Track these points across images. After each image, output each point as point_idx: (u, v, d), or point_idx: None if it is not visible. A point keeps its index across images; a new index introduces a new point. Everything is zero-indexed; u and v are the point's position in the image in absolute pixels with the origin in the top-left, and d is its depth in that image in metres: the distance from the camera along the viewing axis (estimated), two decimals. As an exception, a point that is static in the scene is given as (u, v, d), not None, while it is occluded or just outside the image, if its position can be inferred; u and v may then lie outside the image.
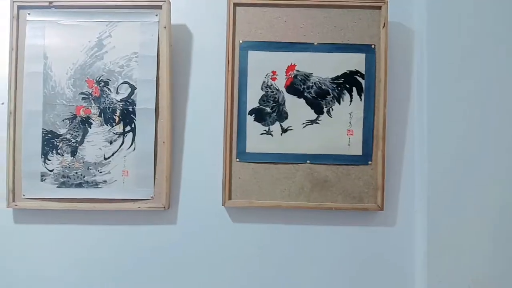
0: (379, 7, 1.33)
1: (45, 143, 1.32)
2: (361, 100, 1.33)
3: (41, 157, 1.32)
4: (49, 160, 1.32)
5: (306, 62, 1.33)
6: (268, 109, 1.33)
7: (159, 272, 1.34)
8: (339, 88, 1.33)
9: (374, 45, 1.33)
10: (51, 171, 1.32)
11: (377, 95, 1.32)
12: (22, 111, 1.32)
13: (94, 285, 1.34)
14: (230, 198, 1.32)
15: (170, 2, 1.32)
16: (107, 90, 1.32)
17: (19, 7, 1.32)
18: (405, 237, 1.34)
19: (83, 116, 1.32)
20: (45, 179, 1.32)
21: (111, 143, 1.32)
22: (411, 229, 1.33)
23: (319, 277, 1.33)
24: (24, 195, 1.32)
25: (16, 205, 1.31)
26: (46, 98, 1.32)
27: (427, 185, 1.29)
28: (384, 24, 1.32)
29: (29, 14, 1.33)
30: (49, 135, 1.32)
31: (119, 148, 1.32)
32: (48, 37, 1.32)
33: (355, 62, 1.33)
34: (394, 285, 1.33)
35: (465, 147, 1.27)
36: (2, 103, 1.37)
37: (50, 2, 1.32)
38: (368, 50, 1.33)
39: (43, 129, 1.32)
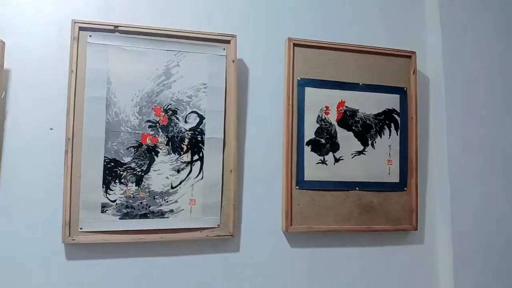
0: (410, 56, 1.60)
1: (107, 172, 1.27)
2: (397, 134, 1.56)
3: (103, 187, 1.27)
4: (111, 190, 1.28)
5: (353, 100, 1.52)
6: (323, 141, 1.48)
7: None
8: (380, 124, 1.55)
9: (406, 87, 1.59)
10: (114, 201, 1.28)
11: (410, 130, 1.57)
12: (81, 137, 1.26)
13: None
14: (291, 224, 1.42)
15: (236, 37, 1.41)
16: (175, 119, 1.34)
17: (81, 28, 1.28)
18: (435, 253, 1.58)
19: (150, 145, 1.32)
20: (106, 210, 1.27)
21: (178, 172, 1.33)
22: (440, 246, 1.58)
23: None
24: (81, 228, 1.25)
25: (73, 239, 1.23)
26: (109, 125, 1.29)
27: (450, 208, 1.55)
28: (414, 70, 1.59)
29: (90, 36, 1.29)
30: (112, 164, 1.28)
31: (186, 177, 1.34)
32: (112, 62, 1.30)
33: (392, 101, 1.57)
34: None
35: (483, 177, 1.57)
36: (51, 129, 1.28)
37: (116, 26, 1.31)
38: (401, 91, 1.58)
39: (105, 157, 1.28)
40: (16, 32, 1.27)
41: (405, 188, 1.56)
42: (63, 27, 1.30)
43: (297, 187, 1.44)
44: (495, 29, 1.69)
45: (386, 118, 1.56)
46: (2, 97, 1.23)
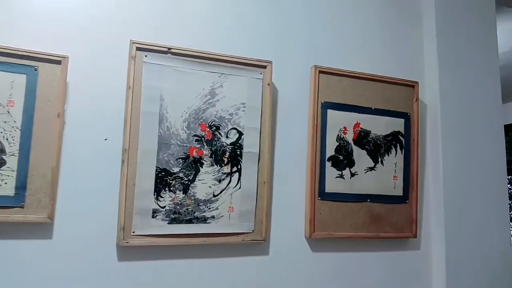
0: (413, 86, 1.85)
1: (158, 180, 1.41)
2: (402, 154, 1.80)
3: (154, 194, 1.40)
4: (162, 197, 1.41)
5: (366, 122, 1.75)
6: (341, 157, 1.69)
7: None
8: (388, 144, 1.78)
9: (410, 113, 1.83)
10: (163, 207, 1.41)
11: (412, 150, 1.82)
12: (137, 148, 1.39)
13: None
14: (314, 231, 1.61)
15: (272, 63, 1.59)
16: (218, 134, 1.50)
17: (138, 48, 1.42)
18: (430, 258, 1.82)
19: (196, 157, 1.47)
20: (157, 215, 1.40)
21: (219, 181, 1.49)
22: (434, 252, 1.82)
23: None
24: (133, 232, 1.37)
25: (127, 242, 1.36)
26: (161, 138, 1.43)
27: (443, 218, 1.81)
28: (416, 98, 1.84)
29: (145, 56, 1.43)
30: (163, 173, 1.42)
31: (226, 187, 1.50)
32: (165, 80, 1.45)
33: (398, 124, 1.81)
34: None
35: (474, 191, 1.84)
36: (105, 139, 1.40)
37: (169, 49, 1.46)
38: (405, 116, 1.82)
39: (157, 167, 1.41)
40: (79, 47, 1.39)
41: (407, 201, 1.80)
42: (122, 46, 1.43)
43: (319, 198, 1.64)
44: (486, 61, 1.99)
45: (393, 139, 1.79)
46: (64, 109, 1.34)
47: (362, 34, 1.85)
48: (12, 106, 1.26)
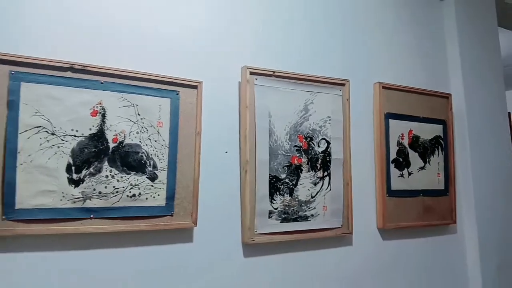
0: (447, 97, 2.23)
1: (271, 186, 1.66)
2: (442, 154, 2.18)
3: (269, 197, 1.65)
4: (274, 200, 1.67)
5: (417, 128, 2.10)
6: (401, 159, 2.03)
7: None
8: (433, 146, 2.15)
9: (446, 120, 2.21)
10: (276, 209, 1.67)
11: (449, 151, 2.20)
12: (255, 159, 1.63)
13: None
14: (384, 223, 1.94)
15: (349, 81, 1.89)
16: (312, 144, 1.78)
17: (250, 73, 1.65)
18: (464, 239, 2.22)
19: (297, 164, 1.73)
20: (272, 216, 1.66)
21: (315, 185, 1.77)
22: (470, 234, 2.22)
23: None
24: (256, 231, 1.62)
25: (252, 240, 1.60)
26: (271, 149, 1.68)
27: (474, 207, 2.21)
28: (450, 107, 2.22)
29: (256, 79, 1.67)
30: (274, 179, 1.67)
31: (320, 189, 1.78)
32: (271, 100, 1.70)
33: (439, 130, 2.18)
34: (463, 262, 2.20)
35: (499, 182, 2.26)
36: (226, 152, 1.63)
37: (274, 72, 1.70)
38: (443, 123, 2.20)
39: (269, 174, 1.66)
40: (204, 73, 1.59)
41: (448, 193, 2.18)
42: (234, 70, 1.66)
43: (387, 195, 1.97)
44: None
45: (436, 142, 2.16)
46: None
47: (401, 55, 2.21)
48: (161, 126, 1.46)
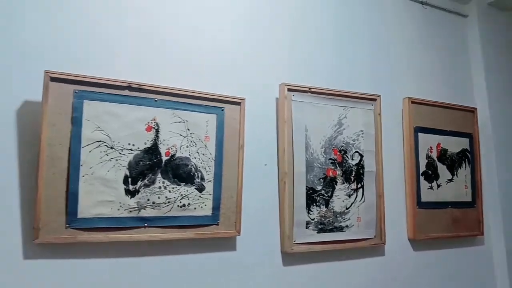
0: (473, 111, 2.29)
1: (308, 197, 1.74)
2: (469, 167, 2.23)
3: (306, 208, 1.73)
4: (311, 211, 1.74)
5: (445, 142, 2.16)
6: (430, 172, 2.09)
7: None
8: (460, 159, 2.21)
9: (472, 133, 2.27)
10: (313, 219, 1.74)
11: (476, 164, 2.25)
12: (293, 171, 1.71)
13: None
14: (415, 234, 2.00)
15: (381, 96, 1.97)
16: (346, 157, 1.85)
17: (288, 89, 1.74)
18: (491, 252, 2.26)
19: (332, 176, 1.81)
20: (309, 226, 1.73)
21: (349, 196, 1.84)
22: (497, 246, 2.26)
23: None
24: (294, 241, 1.69)
25: (292, 249, 1.67)
26: (308, 162, 1.76)
27: (501, 218, 2.25)
28: (476, 121, 2.28)
29: (293, 95, 1.76)
30: (310, 191, 1.75)
31: (354, 201, 1.85)
32: (307, 115, 1.78)
33: (465, 143, 2.24)
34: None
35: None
36: (265, 165, 1.71)
37: (309, 88, 1.79)
38: (469, 136, 2.27)
39: (306, 186, 1.74)
40: (244, 89, 1.68)
41: (475, 205, 2.23)
42: (274, 87, 1.75)
43: (417, 207, 2.03)
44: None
45: (463, 155, 2.22)
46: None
47: (427, 70, 2.29)
48: (208, 140, 1.55)
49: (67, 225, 1.31)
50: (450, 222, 2.13)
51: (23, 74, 1.34)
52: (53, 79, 1.30)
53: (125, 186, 1.40)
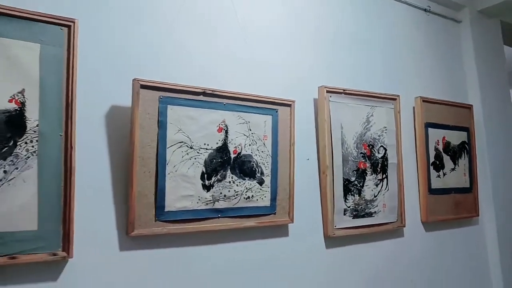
0: (470, 108, 2.60)
1: (344, 188, 1.96)
2: (467, 157, 2.54)
3: (343, 197, 1.95)
4: (348, 199, 1.97)
5: (448, 135, 2.46)
6: (438, 162, 2.38)
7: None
8: (460, 151, 2.51)
9: (469, 127, 2.58)
10: (349, 207, 1.97)
11: (472, 155, 2.57)
12: (332, 164, 1.93)
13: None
14: (427, 217, 2.28)
15: (400, 96, 2.22)
16: (373, 151, 2.09)
17: (327, 91, 1.95)
18: (485, 230, 2.60)
19: (362, 168, 2.04)
20: (346, 213, 1.96)
21: (376, 186, 2.08)
22: (489, 226, 2.60)
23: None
24: (335, 226, 1.91)
25: (334, 234, 1.89)
26: (344, 156, 1.98)
27: (492, 201, 2.59)
28: (472, 116, 2.60)
29: (331, 97, 1.97)
30: (347, 182, 1.98)
31: (380, 189, 2.10)
32: (342, 114, 2.00)
33: (464, 136, 2.55)
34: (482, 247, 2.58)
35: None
36: (308, 159, 1.92)
37: (344, 90, 2.00)
38: (467, 130, 2.58)
39: (343, 178, 1.96)
40: (288, 91, 1.87)
41: (472, 191, 2.55)
42: (312, 89, 1.95)
43: (428, 193, 2.31)
44: None
45: (462, 147, 2.53)
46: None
47: (429, 72, 2.57)
48: (266, 139, 1.73)
49: (156, 219, 1.46)
50: (453, 206, 2.43)
51: (110, 81, 1.46)
52: (143, 86, 1.43)
53: (202, 182, 1.56)
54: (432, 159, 2.36)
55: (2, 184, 1.23)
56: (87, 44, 1.41)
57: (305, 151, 1.92)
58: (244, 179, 1.66)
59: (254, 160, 1.70)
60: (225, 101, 1.63)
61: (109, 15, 1.49)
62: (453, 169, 2.46)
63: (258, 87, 1.77)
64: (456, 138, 2.51)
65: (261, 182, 1.71)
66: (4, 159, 1.24)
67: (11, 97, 1.26)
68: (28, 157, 1.27)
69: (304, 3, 2.04)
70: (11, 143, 1.26)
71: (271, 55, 1.88)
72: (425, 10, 2.61)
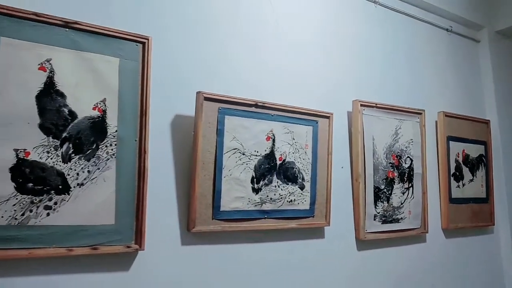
0: (487, 123, 2.75)
1: (374, 195, 2.11)
2: (484, 169, 2.69)
3: (373, 204, 2.10)
4: (377, 206, 2.12)
5: (467, 148, 2.61)
6: (458, 173, 2.53)
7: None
8: (478, 163, 2.66)
9: (486, 141, 2.73)
10: (378, 213, 2.12)
11: (489, 167, 2.72)
12: (365, 173, 2.08)
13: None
14: (448, 224, 2.43)
15: (425, 111, 2.37)
16: (401, 161, 2.24)
17: (361, 105, 2.10)
18: (502, 239, 2.74)
19: (391, 177, 2.19)
20: (376, 218, 2.11)
21: (403, 194, 2.23)
22: (504, 235, 2.75)
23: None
24: (366, 230, 2.06)
25: (365, 237, 2.04)
26: (374, 165, 2.13)
27: (507, 211, 2.74)
28: (489, 131, 2.75)
29: (364, 110, 2.12)
30: (377, 190, 2.13)
31: (406, 197, 2.24)
32: (373, 126, 2.15)
33: (481, 149, 2.70)
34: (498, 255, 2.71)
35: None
36: (342, 167, 2.07)
37: (376, 104, 2.16)
38: (484, 143, 2.73)
39: (374, 185, 2.11)
40: (324, 104, 2.03)
41: (488, 201, 2.69)
42: (346, 103, 2.11)
43: (449, 202, 2.46)
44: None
45: (480, 160, 2.68)
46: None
47: (449, 88, 2.73)
48: (307, 148, 1.88)
49: (213, 217, 1.61)
50: (471, 215, 2.58)
51: (174, 92, 1.62)
52: (206, 99, 1.59)
53: (252, 185, 1.71)
54: (452, 170, 2.51)
55: (87, 182, 1.39)
56: (156, 59, 1.58)
57: (339, 160, 2.07)
58: (288, 184, 1.82)
59: (297, 166, 1.85)
60: (273, 112, 1.78)
61: (178, 34, 1.66)
62: (471, 180, 2.61)
63: (299, 99, 1.93)
64: (474, 151, 2.66)
65: (302, 187, 1.86)
66: (88, 160, 1.40)
67: (94, 105, 1.43)
68: (108, 159, 1.43)
69: (341, 25, 2.21)
70: (94, 146, 1.42)
71: (313, 72, 2.04)
72: (447, 30, 2.77)
